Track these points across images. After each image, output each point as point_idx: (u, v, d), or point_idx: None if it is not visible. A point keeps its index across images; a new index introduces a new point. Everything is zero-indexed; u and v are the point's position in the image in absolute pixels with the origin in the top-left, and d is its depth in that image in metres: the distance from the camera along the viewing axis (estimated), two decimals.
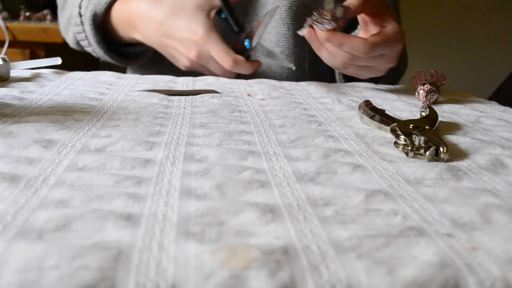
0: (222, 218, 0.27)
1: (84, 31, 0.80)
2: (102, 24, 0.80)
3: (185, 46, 0.73)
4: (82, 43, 0.82)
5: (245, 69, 0.73)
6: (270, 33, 0.83)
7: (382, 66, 0.66)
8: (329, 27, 0.58)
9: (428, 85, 0.61)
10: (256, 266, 0.22)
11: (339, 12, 0.59)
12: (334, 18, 0.58)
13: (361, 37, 0.60)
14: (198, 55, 0.73)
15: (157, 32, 0.75)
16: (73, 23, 0.82)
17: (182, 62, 0.76)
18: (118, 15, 0.79)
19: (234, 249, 0.23)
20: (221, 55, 0.71)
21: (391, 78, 0.77)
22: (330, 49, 0.62)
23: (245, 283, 0.21)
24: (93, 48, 0.81)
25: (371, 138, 0.45)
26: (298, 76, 0.84)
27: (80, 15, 0.79)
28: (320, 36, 0.60)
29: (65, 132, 0.41)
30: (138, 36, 0.78)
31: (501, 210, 0.29)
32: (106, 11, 0.79)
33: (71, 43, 0.86)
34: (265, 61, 0.83)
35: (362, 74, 0.69)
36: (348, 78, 0.79)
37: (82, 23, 0.79)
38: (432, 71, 0.63)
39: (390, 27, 0.62)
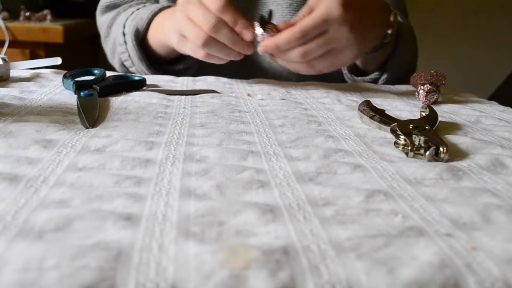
0: (222, 218, 0.27)
1: (127, 50, 0.79)
2: (144, 42, 0.79)
3: (200, 20, 0.64)
4: (126, 63, 0.81)
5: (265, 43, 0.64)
6: None
7: (344, 48, 0.63)
8: (264, 36, 0.61)
9: (428, 85, 0.61)
10: (256, 266, 0.22)
11: (263, 19, 0.60)
12: (265, 28, 0.60)
13: (287, 29, 0.60)
14: (212, 27, 0.62)
15: (175, 13, 0.69)
16: (117, 43, 0.81)
17: (194, 42, 0.65)
18: (154, 26, 0.78)
19: (234, 249, 0.23)
20: (241, 24, 0.63)
21: (396, 67, 0.75)
22: (279, 58, 0.63)
23: (245, 283, 0.21)
24: (136, 67, 0.80)
25: (371, 138, 0.45)
26: (298, 74, 0.84)
27: (124, 34, 0.79)
28: (260, 51, 0.62)
29: (65, 132, 0.41)
30: (163, 35, 0.75)
31: (501, 210, 0.29)
32: (148, 26, 0.78)
33: (117, 66, 0.85)
34: (266, 59, 0.83)
35: (331, 66, 0.65)
36: (355, 74, 0.79)
37: (125, 42, 0.79)
38: (432, 71, 0.63)
39: (319, 7, 0.60)
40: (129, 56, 0.79)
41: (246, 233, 0.26)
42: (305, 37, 0.59)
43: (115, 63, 0.86)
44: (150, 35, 0.79)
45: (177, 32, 0.66)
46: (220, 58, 0.66)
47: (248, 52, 0.64)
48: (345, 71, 0.80)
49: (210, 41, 0.63)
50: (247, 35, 0.62)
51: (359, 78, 0.78)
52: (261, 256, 0.23)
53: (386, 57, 0.75)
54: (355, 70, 0.80)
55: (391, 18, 0.69)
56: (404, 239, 0.25)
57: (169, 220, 0.26)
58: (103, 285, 0.20)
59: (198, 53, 0.66)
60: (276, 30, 0.61)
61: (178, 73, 0.81)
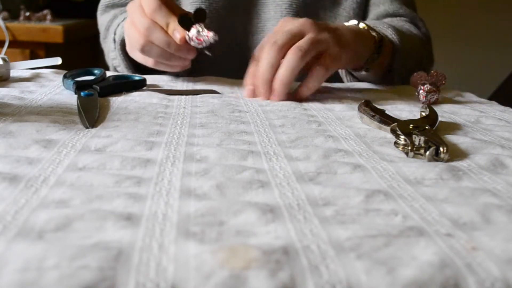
0: (222, 218, 0.27)
1: (116, 57, 0.79)
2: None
3: (137, 23, 0.63)
4: (118, 69, 0.81)
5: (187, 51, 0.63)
6: (271, 31, 0.83)
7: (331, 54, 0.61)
8: (202, 44, 0.60)
9: (428, 85, 0.61)
10: (256, 266, 0.22)
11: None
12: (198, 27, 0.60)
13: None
14: (145, 30, 0.61)
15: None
16: (110, 49, 0.81)
17: (136, 47, 0.64)
18: None
19: (234, 249, 0.23)
20: (170, 28, 0.61)
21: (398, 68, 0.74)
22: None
23: (245, 283, 0.21)
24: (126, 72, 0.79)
25: (371, 138, 0.45)
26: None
27: (114, 41, 0.78)
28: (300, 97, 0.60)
29: (65, 132, 0.41)
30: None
31: (501, 210, 0.29)
32: None
33: (111, 69, 0.85)
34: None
35: (323, 71, 0.62)
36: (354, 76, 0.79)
37: (115, 48, 0.78)
38: (432, 71, 0.63)
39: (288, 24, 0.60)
40: (119, 63, 0.79)
41: (246, 233, 0.26)
42: (273, 47, 0.58)
43: (110, 66, 0.86)
44: None
45: (126, 37, 0.67)
46: (168, 65, 0.65)
47: (190, 57, 0.63)
48: (346, 77, 0.80)
49: (148, 45, 0.62)
50: (176, 36, 0.60)
51: (350, 84, 0.77)
52: (261, 256, 0.23)
53: (388, 66, 0.75)
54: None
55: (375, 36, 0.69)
56: (404, 239, 0.25)
57: (169, 220, 0.26)
58: (103, 285, 0.20)
59: (147, 61, 0.65)
60: (208, 29, 0.59)
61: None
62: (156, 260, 0.22)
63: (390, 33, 0.73)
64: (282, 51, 0.58)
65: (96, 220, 0.26)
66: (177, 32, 0.60)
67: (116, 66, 0.81)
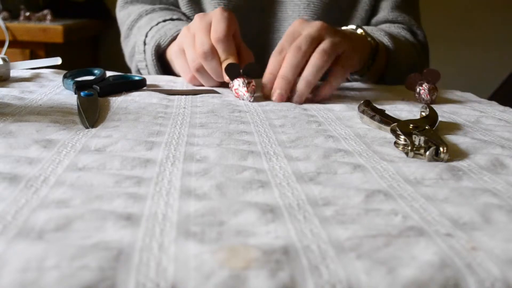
0: (222, 218, 0.27)
1: (145, 59, 0.78)
2: (163, 58, 0.78)
3: (198, 42, 0.63)
4: (142, 71, 0.81)
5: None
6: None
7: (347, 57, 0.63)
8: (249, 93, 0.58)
9: (426, 84, 0.61)
10: (256, 266, 0.22)
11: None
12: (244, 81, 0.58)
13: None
14: (203, 54, 0.61)
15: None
16: (136, 50, 0.80)
17: (189, 64, 0.64)
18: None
19: (234, 249, 0.23)
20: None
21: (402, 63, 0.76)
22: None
23: (245, 283, 0.21)
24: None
25: (371, 138, 0.45)
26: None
27: (145, 43, 0.78)
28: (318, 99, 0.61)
29: (65, 132, 0.41)
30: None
31: (501, 210, 0.29)
32: (170, 43, 0.76)
33: (133, 70, 0.85)
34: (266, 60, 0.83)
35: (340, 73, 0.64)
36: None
37: (144, 51, 0.78)
38: (424, 70, 0.63)
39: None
40: (146, 66, 0.79)
41: (246, 233, 0.26)
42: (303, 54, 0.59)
43: (132, 66, 0.85)
44: (170, 50, 0.77)
45: (179, 44, 0.66)
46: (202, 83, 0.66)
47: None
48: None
49: (200, 70, 0.63)
50: (226, 77, 0.61)
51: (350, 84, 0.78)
52: (261, 256, 0.23)
53: (382, 72, 0.76)
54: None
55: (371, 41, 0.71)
56: (404, 239, 0.25)
57: (169, 220, 0.26)
58: (103, 285, 0.20)
59: (186, 74, 0.66)
60: (251, 86, 0.58)
61: None
62: (156, 260, 0.22)
63: (386, 41, 0.74)
64: (306, 56, 0.59)
65: (96, 220, 0.26)
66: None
67: (141, 68, 0.81)
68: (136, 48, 0.81)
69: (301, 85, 0.59)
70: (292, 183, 0.33)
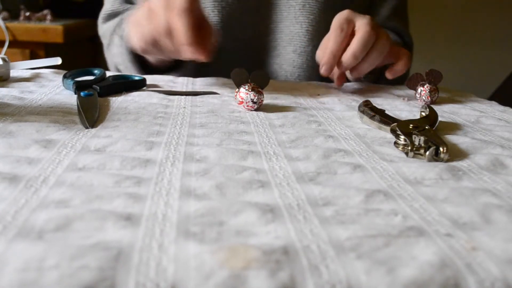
0: (222, 218, 0.27)
1: (122, 53, 0.77)
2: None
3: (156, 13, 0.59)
4: (120, 67, 0.79)
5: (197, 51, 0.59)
6: (283, 32, 0.83)
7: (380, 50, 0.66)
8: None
9: (428, 84, 0.61)
10: (256, 266, 0.22)
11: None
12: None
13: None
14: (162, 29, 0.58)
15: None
16: (114, 45, 0.79)
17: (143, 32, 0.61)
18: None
19: (234, 249, 0.23)
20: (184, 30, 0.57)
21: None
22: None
23: (245, 283, 0.21)
24: (130, 71, 0.78)
25: (371, 138, 0.45)
26: (309, 75, 0.84)
27: (121, 37, 0.77)
28: (324, 72, 0.64)
29: (65, 132, 0.41)
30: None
31: (501, 210, 0.29)
32: None
33: (113, 70, 0.84)
34: (276, 60, 0.83)
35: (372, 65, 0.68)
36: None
37: (121, 45, 0.77)
38: (427, 70, 0.63)
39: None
40: (123, 60, 0.77)
41: (246, 233, 0.26)
42: (342, 30, 0.63)
43: (110, 68, 0.85)
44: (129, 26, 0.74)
45: (136, 16, 0.63)
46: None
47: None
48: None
49: (158, 44, 0.59)
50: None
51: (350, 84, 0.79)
52: (261, 256, 0.23)
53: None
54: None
55: None
56: (404, 239, 0.25)
57: (169, 220, 0.26)
58: (103, 285, 0.20)
59: (141, 41, 0.62)
60: (258, 94, 0.55)
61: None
62: (156, 260, 0.22)
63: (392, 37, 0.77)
64: (348, 37, 0.63)
65: (96, 220, 0.26)
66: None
67: (118, 64, 0.80)
68: (114, 45, 0.79)
69: (346, 56, 0.63)
70: (292, 183, 0.33)
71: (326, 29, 0.67)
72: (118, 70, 0.82)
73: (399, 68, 0.67)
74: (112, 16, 0.86)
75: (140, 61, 0.77)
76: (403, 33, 0.88)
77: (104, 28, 0.87)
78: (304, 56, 0.84)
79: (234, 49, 0.84)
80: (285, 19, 0.83)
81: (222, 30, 0.82)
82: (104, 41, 0.86)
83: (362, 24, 0.63)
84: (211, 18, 0.82)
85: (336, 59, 0.63)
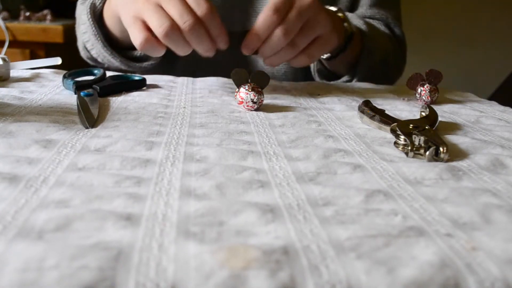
0: (222, 218, 0.27)
1: (87, 29, 0.75)
2: (102, 21, 0.75)
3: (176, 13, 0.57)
4: (87, 45, 0.77)
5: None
6: None
7: (322, 28, 0.61)
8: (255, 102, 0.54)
9: (428, 85, 0.61)
10: (256, 266, 0.22)
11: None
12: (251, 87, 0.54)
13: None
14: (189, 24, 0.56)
15: None
16: (80, 23, 0.77)
17: (157, 30, 0.57)
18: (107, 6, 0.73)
19: (234, 249, 0.23)
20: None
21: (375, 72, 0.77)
22: (267, 54, 0.60)
23: (245, 283, 0.21)
24: (96, 50, 0.76)
25: (371, 138, 0.45)
26: (295, 70, 0.84)
27: (87, 13, 0.75)
28: (245, 51, 0.60)
29: (65, 132, 0.41)
30: (115, 5, 0.67)
31: (501, 210, 0.29)
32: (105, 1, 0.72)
33: (81, 52, 0.82)
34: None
35: (321, 50, 0.63)
36: (326, 79, 0.80)
37: (87, 21, 0.74)
38: (427, 70, 0.63)
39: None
40: (89, 35, 0.74)
41: (246, 233, 0.26)
42: (278, 11, 0.57)
43: (80, 49, 0.82)
44: (105, 8, 0.73)
45: (136, 11, 0.59)
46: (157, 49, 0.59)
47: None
48: (315, 75, 0.81)
49: (174, 35, 0.56)
50: (222, 44, 0.58)
51: (332, 82, 0.78)
52: (261, 256, 0.23)
53: (354, 60, 0.77)
54: (325, 75, 0.80)
55: (345, 24, 0.71)
56: (404, 239, 0.25)
57: (169, 220, 0.26)
58: (103, 285, 0.20)
59: (139, 40, 0.58)
60: (258, 94, 0.54)
61: (144, 70, 0.77)
62: (156, 260, 0.22)
63: (363, 27, 0.75)
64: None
65: (96, 220, 0.26)
66: (224, 41, 0.59)
67: (85, 41, 0.77)
68: (80, 21, 0.77)
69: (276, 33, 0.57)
70: (292, 183, 0.33)
71: None
72: (86, 49, 0.79)
73: (297, 60, 0.60)
74: None
75: (108, 39, 0.74)
76: (392, 24, 0.86)
77: (80, 8, 0.83)
78: None
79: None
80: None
81: None
82: (77, 20, 0.83)
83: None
84: None
85: (261, 39, 0.58)
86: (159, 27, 0.56)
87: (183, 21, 0.56)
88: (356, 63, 0.77)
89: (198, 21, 0.56)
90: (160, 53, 0.59)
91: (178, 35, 0.56)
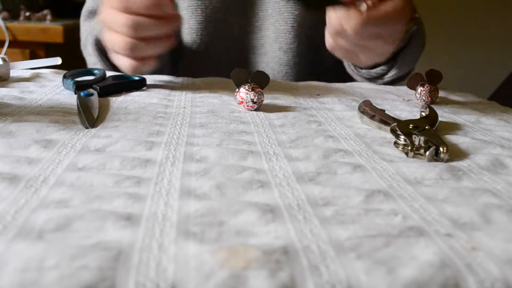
0: (222, 218, 0.27)
1: (96, 63, 0.76)
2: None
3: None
4: (96, 66, 0.78)
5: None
6: (268, 29, 0.83)
7: (380, 49, 0.61)
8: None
9: (428, 85, 0.61)
10: (256, 266, 0.22)
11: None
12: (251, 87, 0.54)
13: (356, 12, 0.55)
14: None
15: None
16: (87, 54, 0.78)
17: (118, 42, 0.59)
18: None
19: (234, 249, 0.23)
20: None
21: (407, 61, 0.73)
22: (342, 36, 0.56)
23: (245, 283, 0.21)
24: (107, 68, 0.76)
25: (371, 138, 0.45)
26: (296, 72, 0.84)
27: (92, 44, 0.76)
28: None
29: (65, 132, 0.41)
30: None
31: (501, 210, 0.29)
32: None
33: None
34: (263, 58, 0.83)
35: (355, 57, 0.61)
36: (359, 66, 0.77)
37: (92, 54, 0.76)
38: (427, 71, 0.63)
39: (391, 2, 0.54)
40: (97, 62, 0.76)
41: (246, 233, 0.25)
42: (360, 30, 0.54)
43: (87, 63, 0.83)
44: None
45: (104, 23, 0.61)
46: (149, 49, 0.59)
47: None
48: (348, 63, 0.79)
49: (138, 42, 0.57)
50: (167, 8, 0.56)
51: (364, 70, 0.76)
52: (261, 256, 0.23)
53: (395, 52, 0.72)
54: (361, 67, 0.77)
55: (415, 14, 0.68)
56: (404, 239, 0.25)
57: (169, 220, 0.26)
58: (103, 285, 0.20)
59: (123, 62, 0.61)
60: (258, 95, 0.53)
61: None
62: (156, 260, 0.22)
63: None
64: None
65: (96, 220, 0.26)
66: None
67: (94, 64, 0.78)
68: (86, 51, 0.78)
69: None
70: (292, 183, 0.33)
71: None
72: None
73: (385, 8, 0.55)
74: (93, 13, 0.84)
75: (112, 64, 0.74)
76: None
77: (84, 27, 0.84)
78: (290, 53, 0.84)
79: (221, 48, 0.83)
80: (270, 16, 0.83)
81: (207, 30, 0.82)
82: (82, 39, 0.84)
83: None
84: (195, 18, 0.82)
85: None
86: (123, 51, 0.58)
87: (135, 32, 0.56)
88: (397, 56, 0.72)
89: (145, 21, 0.56)
90: (151, 67, 0.61)
91: (139, 43, 0.58)
